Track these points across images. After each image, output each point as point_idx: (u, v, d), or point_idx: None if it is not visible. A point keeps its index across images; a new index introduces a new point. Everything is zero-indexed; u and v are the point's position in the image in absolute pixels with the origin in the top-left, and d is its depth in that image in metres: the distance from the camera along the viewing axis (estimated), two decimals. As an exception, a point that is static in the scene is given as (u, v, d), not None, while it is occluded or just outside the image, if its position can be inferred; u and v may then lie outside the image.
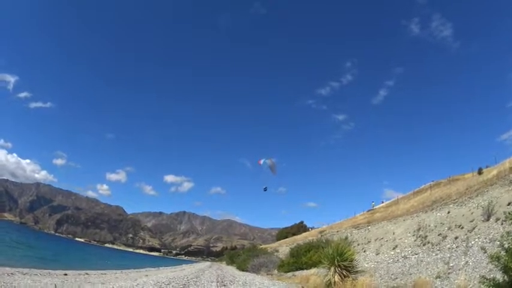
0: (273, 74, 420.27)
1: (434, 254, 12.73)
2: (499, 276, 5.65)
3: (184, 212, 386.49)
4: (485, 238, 11.28)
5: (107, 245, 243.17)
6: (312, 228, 69.31)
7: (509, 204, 12.98)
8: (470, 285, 7.06)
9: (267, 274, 20.93)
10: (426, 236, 15.47)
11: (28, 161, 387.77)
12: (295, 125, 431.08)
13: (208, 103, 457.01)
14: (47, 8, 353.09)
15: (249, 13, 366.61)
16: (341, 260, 10.37)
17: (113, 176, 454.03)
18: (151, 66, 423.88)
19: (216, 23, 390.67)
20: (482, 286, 5.75)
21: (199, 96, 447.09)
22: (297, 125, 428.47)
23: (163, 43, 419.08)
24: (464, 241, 12.17)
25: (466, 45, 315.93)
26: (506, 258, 5.23)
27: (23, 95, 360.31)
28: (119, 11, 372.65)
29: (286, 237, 72.59)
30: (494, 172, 20.97)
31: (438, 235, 14.67)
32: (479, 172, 27.47)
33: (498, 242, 6.36)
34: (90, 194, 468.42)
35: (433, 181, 41.29)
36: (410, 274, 10.83)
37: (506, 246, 5.46)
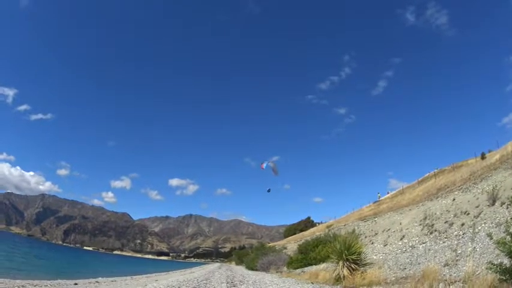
0: (272, 72, 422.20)
1: (441, 242, 12.71)
2: (506, 261, 5.65)
3: (190, 215, 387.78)
4: (492, 223, 11.26)
5: (115, 252, 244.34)
6: (319, 223, 69.43)
7: (513, 187, 12.94)
8: (478, 271, 7.06)
9: (276, 272, 20.99)
10: (433, 225, 15.45)
11: (32, 173, 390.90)
12: (296, 121, 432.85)
13: (208, 104, 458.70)
14: (43, 20, 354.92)
15: (244, 11, 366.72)
16: (349, 253, 10.40)
17: (117, 183, 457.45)
18: (149, 70, 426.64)
19: (214, 22, 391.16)
20: (489, 272, 5.76)
21: (199, 98, 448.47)
22: (299, 121, 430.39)
23: (161, 47, 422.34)
24: (470, 227, 12.15)
25: (462, 32, 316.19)
26: (512, 244, 5.24)
27: (22, 107, 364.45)
28: (115, 19, 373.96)
29: (294, 233, 72.68)
30: (497, 156, 20.94)
31: (445, 223, 14.64)
32: (482, 157, 27.46)
33: (504, 227, 6.36)
34: (96, 202, 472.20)
35: (437, 169, 41.25)
36: (419, 263, 10.83)
37: (511, 231, 5.46)
